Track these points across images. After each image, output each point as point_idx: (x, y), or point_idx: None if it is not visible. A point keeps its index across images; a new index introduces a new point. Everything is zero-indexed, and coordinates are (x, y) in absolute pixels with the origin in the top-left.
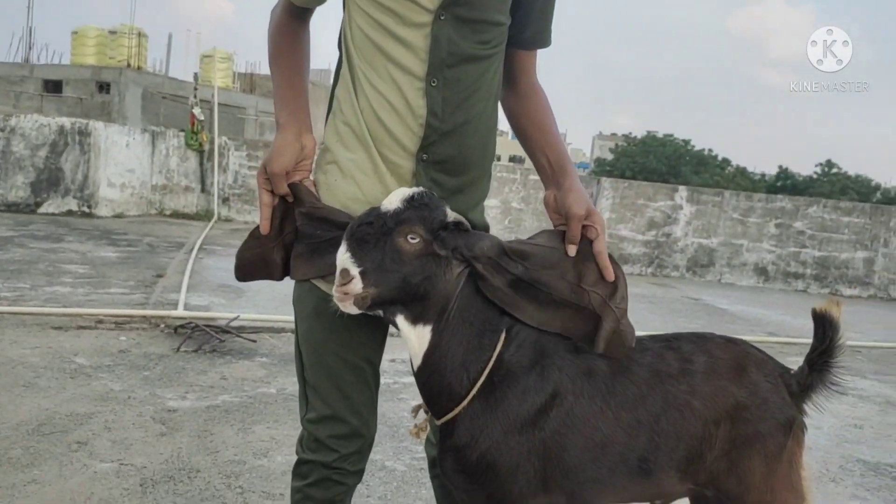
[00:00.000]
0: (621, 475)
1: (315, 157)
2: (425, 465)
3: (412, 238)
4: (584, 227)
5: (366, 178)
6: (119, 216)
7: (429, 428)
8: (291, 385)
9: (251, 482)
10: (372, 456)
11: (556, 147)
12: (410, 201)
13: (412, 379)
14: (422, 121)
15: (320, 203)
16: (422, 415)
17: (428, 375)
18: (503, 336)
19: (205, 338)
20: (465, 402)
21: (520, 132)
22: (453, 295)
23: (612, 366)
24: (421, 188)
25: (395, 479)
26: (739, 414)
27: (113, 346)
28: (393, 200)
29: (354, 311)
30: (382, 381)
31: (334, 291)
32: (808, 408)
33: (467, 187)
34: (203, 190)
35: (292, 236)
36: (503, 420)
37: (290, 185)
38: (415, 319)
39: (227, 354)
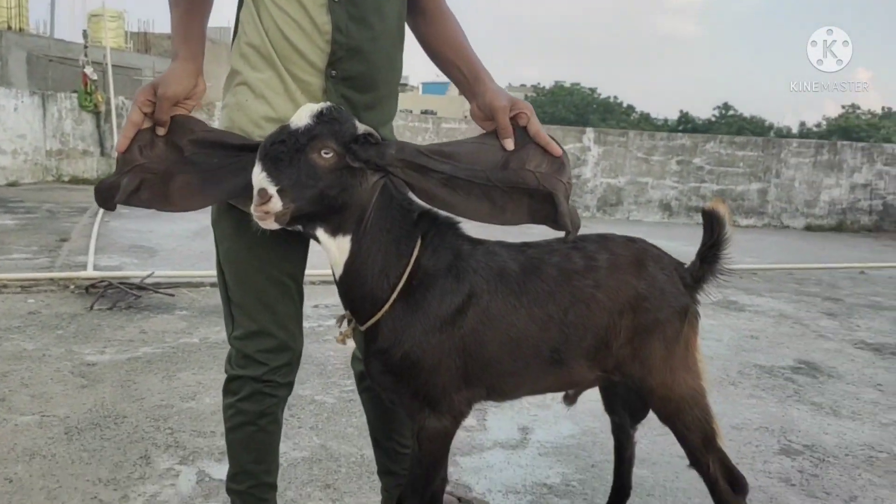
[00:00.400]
0: (536, 366)
1: (201, 98)
2: (354, 396)
3: (325, 153)
4: (513, 116)
5: (276, 96)
6: (13, 184)
7: (352, 337)
8: (214, 335)
9: (181, 423)
10: (301, 392)
11: (469, 59)
12: (320, 116)
13: (333, 321)
14: (328, 37)
15: (212, 128)
16: (346, 324)
17: (350, 284)
18: (419, 242)
19: (119, 295)
20: (386, 307)
21: (433, 54)
22: (369, 204)
23: (524, 266)
24: (329, 103)
25: (326, 411)
26: (640, 304)
27: (21, 309)
28: (302, 117)
29: (275, 227)
30: (306, 324)
31: (253, 211)
32: (702, 300)
33: (377, 104)
34: (103, 153)
35: (156, 165)
36: (423, 320)
37: (175, 116)
38: (334, 231)
39: (145, 310)
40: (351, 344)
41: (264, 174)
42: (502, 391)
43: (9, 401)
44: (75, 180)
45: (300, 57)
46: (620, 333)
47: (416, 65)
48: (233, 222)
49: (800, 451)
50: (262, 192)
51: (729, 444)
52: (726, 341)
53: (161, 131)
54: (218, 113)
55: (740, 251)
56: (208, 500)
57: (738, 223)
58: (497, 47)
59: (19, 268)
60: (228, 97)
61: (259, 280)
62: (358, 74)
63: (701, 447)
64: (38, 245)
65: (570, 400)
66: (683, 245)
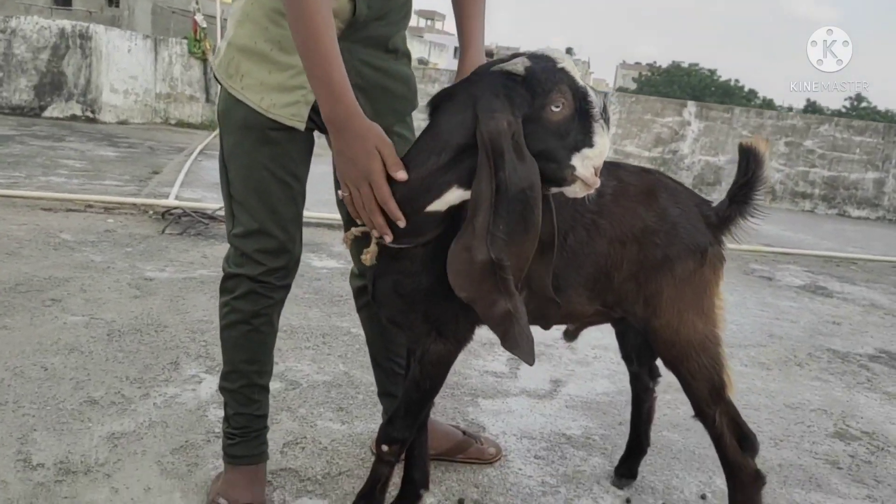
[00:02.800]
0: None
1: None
2: None
3: None
4: None
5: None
6: (123, 123)
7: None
8: None
9: (215, 337)
10: (339, 323)
11: (471, 24)
12: None
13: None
14: None
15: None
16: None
17: None
18: None
19: (191, 223)
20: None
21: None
22: None
23: None
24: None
25: (358, 342)
26: (647, 237)
27: (100, 227)
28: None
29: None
30: (349, 262)
31: (594, 184)
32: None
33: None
34: (208, 100)
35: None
36: (453, 245)
37: None
38: None
39: (212, 238)
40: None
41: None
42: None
43: (64, 302)
44: (181, 123)
45: None
46: (623, 265)
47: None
48: (243, 115)
49: (857, 436)
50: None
51: (778, 421)
52: (802, 324)
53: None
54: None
55: (843, 240)
56: (222, 407)
57: (848, 214)
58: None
59: (108, 192)
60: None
61: (263, 178)
62: None
63: (707, 397)
64: (130, 175)
65: (570, 336)
66: (779, 230)
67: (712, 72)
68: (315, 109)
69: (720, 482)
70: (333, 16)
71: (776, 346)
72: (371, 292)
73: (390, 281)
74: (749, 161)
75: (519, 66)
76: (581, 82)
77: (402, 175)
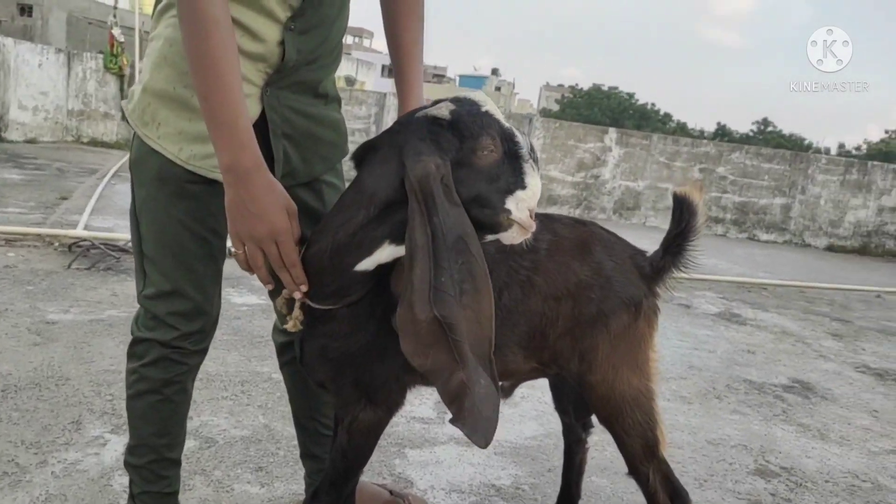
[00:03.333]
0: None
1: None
2: None
3: None
4: None
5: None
6: (32, 141)
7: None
8: None
9: (123, 390)
10: (259, 368)
11: (410, 61)
12: None
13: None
14: None
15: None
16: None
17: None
18: None
19: (101, 256)
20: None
21: (389, 34)
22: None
23: None
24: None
25: (280, 390)
26: (582, 293)
27: None
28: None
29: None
30: (269, 301)
31: (531, 227)
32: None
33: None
34: (124, 118)
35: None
36: (385, 306)
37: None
38: None
39: (123, 273)
40: None
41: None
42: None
43: None
44: (94, 142)
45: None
46: (558, 322)
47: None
48: (157, 166)
49: (777, 472)
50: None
51: (701, 459)
52: (720, 353)
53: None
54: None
55: (754, 265)
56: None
57: (757, 238)
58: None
59: (10, 221)
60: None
61: (179, 234)
62: (315, 25)
63: (640, 454)
64: (36, 201)
65: (505, 392)
66: (699, 256)
67: (630, 95)
68: None
69: None
70: (261, 61)
71: (696, 377)
72: (299, 356)
73: (318, 344)
74: (683, 210)
75: (444, 110)
76: (507, 124)
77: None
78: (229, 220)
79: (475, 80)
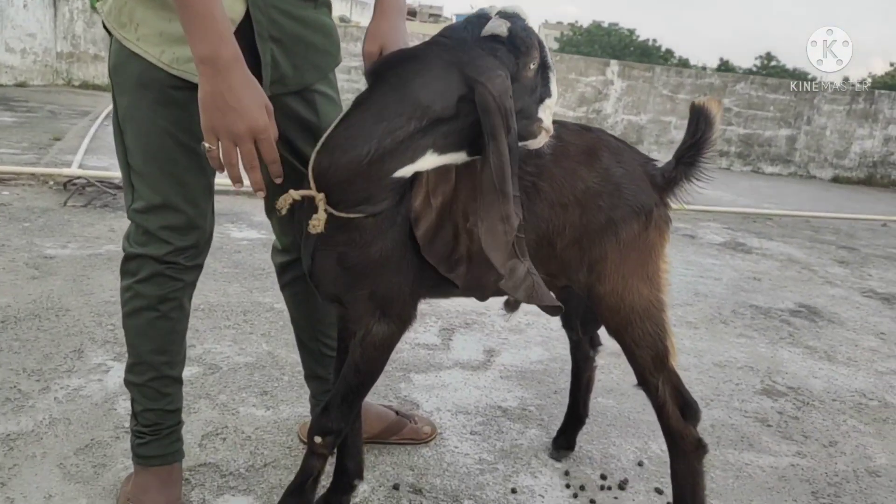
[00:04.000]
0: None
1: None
2: None
3: None
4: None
5: None
6: (22, 85)
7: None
8: None
9: None
10: (261, 298)
11: None
12: None
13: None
14: None
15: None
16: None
17: None
18: None
19: (96, 193)
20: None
21: None
22: None
23: None
24: None
25: (282, 319)
26: (590, 200)
27: None
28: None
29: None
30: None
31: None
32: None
33: None
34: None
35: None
36: (402, 217)
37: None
38: None
39: (120, 210)
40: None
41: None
42: (444, 288)
43: None
44: (86, 85)
45: None
46: (566, 231)
47: None
48: (138, 70)
49: (783, 392)
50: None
51: (707, 380)
52: (725, 281)
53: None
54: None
55: (759, 197)
56: None
57: (762, 170)
58: None
59: (3, 161)
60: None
61: (166, 144)
62: None
63: (650, 365)
64: (29, 142)
65: (510, 307)
66: (702, 188)
67: (631, 31)
68: None
69: (656, 448)
70: None
71: (702, 304)
72: (308, 268)
73: (334, 254)
74: (699, 121)
75: (502, 27)
76: (536, 36)
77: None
78: (203, 114)
79: None
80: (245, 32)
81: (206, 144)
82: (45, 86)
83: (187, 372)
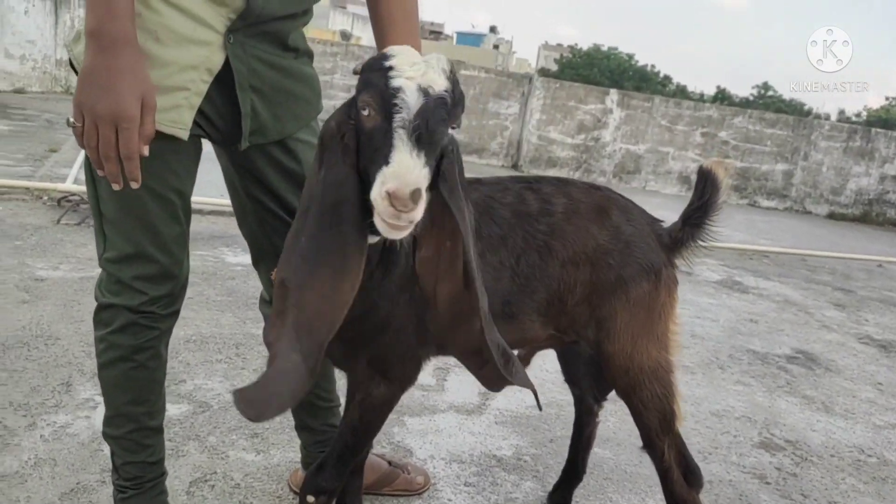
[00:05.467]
0: None
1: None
2: None
3: (453, 127)
4: None
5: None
6: (19, 91)
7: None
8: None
9: None
10: (254, 331)
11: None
12: (451, 74)
13: None
14: None
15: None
16: None
17: None
18: None
19: (90, 211)
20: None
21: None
22: None
23: (477, 205)
24: (438, 54)
25: None
26: (601, 258)
27: None
28: (437, 72)
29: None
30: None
31: (388, 220)
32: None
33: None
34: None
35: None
36: (397, 280)
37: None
38: None
39: None
40: None
41: (422, 162)
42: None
43: None
44: None
45: None
46: (576, 288)
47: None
48: None
49: (781, 446)
50: (416, 192)
51: (705, 431)
52: (722, 322)
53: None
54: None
55: (755, 232)
56: None
57: (758, 204)
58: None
59: None
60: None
61: (139, 195)
62: None
63: (657, 427)
64: (24, 153)
65: (522, 361)
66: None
67: (630, 56)
68: (202, 112)
69: (652, 503)
70: (223, 5)
71: (699, 347)
72: None
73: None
74: (707, 185)
75: (359, 64)
76: (399, 81)
77: (145, 151)
78: (77, 88)
79: (473, 38)
80: (225, 82)
81: (71, 119)
82: (43, 92)
83: (176, 410)
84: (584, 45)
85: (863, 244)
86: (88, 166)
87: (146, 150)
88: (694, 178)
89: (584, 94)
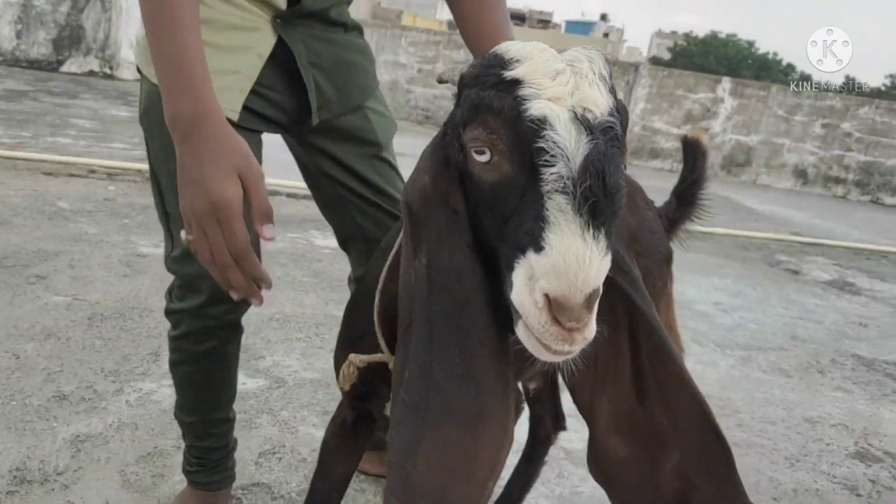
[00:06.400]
0: None
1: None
2: None
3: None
4: None
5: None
6: None
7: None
8: (285, 243)
9: None
10: (334, 311)
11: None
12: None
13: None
14: None
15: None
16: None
17: None
18: None
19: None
20: None
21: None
22: None
23: None
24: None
25: None
26: (632, 246)
27: (99, 195)
28: (592, 83)
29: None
30: (321, 241)
31: (553, 342)
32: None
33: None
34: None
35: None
36: None
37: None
38: None
39: None
40: None
41: (601, 247)
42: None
43: (49, 279)
44: None
45: None
46: None
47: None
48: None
49: (879, 458)
50: (594, 295)
51: (795, 437)
52: (828, 324)
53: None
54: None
55: (876, 231)
56: None
57: (882, 201)
58: None
59: (114, 156)
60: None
61: None
62: None
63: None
64: (140, 138)
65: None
66: (809, 217)
67: (750, 43)
68: (268, 99)
69: None
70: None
71: (798, 350)
72: None
73: None
74: (696, 155)
75: (456, 73)
76: (539, 106)
77: (267, 232)
78: (178, 192)
79: (582, 26)
80: (283, 66)
81: (184, 234)
82: None
83: (253, 384)
84: (702, 32)
85: None
86: (150, 165)
87: (269, 233)
88: (811, 172)
89: (694, 82)
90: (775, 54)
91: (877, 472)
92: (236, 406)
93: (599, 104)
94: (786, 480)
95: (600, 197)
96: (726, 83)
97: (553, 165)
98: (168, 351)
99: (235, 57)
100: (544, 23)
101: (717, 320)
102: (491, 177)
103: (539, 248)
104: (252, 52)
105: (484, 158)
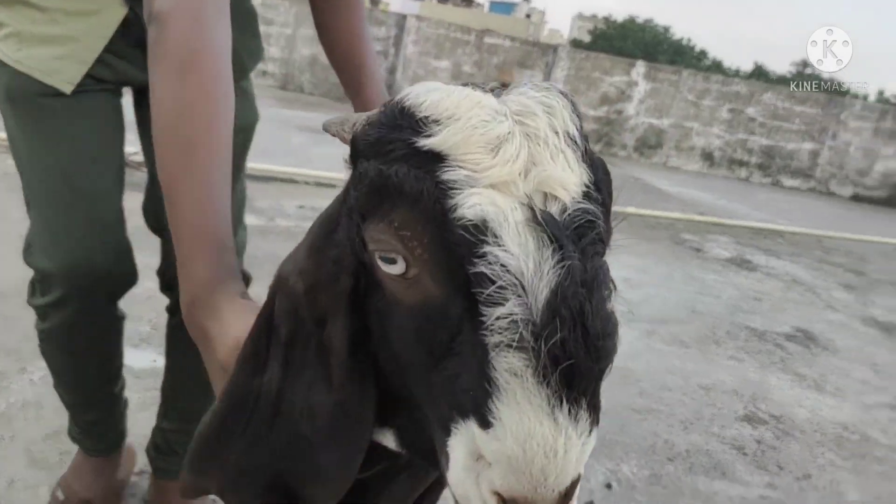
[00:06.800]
0: None
1: None
2: None
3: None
4: None
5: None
6: None
7: None
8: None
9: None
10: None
11: (364, 57)
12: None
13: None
14: None
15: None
16: None
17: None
18: None
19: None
20: None
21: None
22: None
23: None
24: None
25: None
26: None
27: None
28: (556, 150)
29: None
30: (281, 222)
31: None
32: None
33: None
34: None
35: None
36: None
37: None
38: None
39: (136, 189)
40: None
41: (580, 429)
42: None
43: None
44: None
45: None
46: None
47: None
48: (5, 81)
49: (765, 420)
50: (572, 487)
51: (690, 402)
52: (725, 299)
53: None
54: None
55: (774, 211)
56: None
57: (781, 183)
58: None
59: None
60: None
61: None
62: None
63: None
64: None
65: None
66: (715, 198)
67: (666, 29)
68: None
69: (626, 470)
70: None
71: (698, 322)
72: None
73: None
74: None
75: (346, 127)
76: (477, 202)
77: None
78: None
79: (504, 6)
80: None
81: None
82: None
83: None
84: (621, 16)
85: (886, 227)
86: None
87: None
88: (717, 154)
89: (610, 65)
90: (689, 40)
91: (762, 434)
92: None
93: (569, 185)
94: (680, 442)
95: (579, 355)
96: (640, 66)
97: (501, 304)
98: (38, 340)
99: (70, 22)
100: (467, 2)
101: (624, 295)
102: (409, 298)
103: (485, 423)
104: (93, 20)
105: (396, 270)
